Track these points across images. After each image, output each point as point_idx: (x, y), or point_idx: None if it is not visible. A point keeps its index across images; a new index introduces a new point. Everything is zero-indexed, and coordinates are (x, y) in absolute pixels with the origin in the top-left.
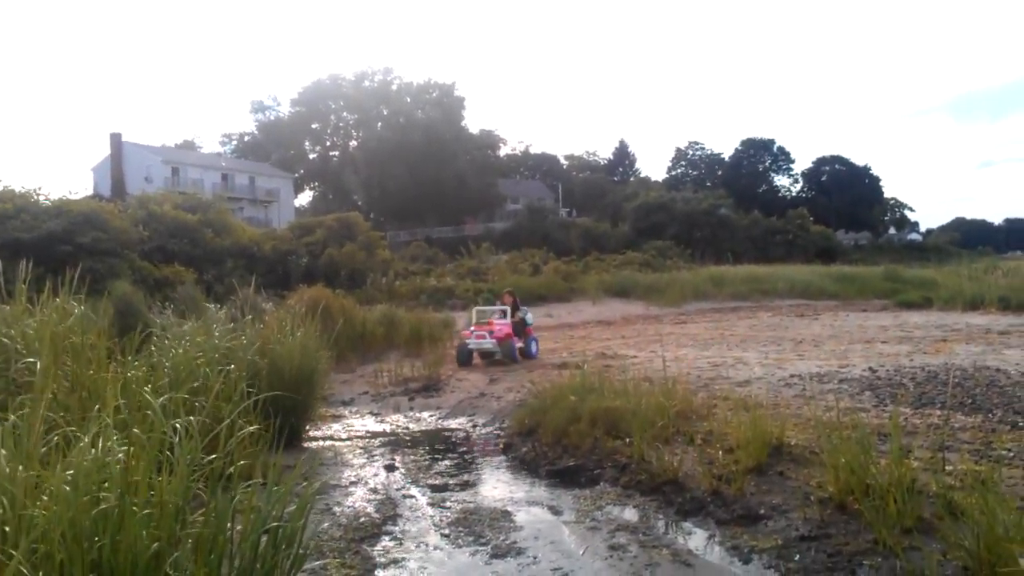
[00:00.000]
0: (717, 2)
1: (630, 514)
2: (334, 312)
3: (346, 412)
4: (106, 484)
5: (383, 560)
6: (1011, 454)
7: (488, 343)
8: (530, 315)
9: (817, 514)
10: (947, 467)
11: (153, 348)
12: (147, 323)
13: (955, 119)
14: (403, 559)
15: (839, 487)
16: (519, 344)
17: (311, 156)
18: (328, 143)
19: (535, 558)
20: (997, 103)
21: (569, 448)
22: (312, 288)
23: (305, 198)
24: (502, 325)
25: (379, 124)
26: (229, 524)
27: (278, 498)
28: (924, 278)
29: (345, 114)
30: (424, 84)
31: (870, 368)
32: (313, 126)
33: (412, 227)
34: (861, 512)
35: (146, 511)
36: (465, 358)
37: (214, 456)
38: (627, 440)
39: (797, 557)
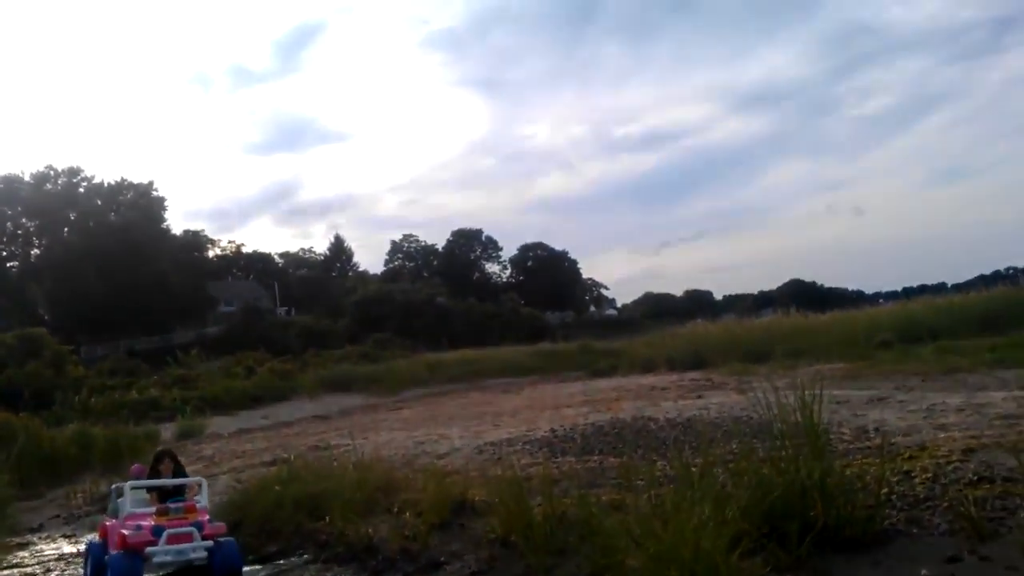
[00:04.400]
0: None
1: None
2: (17, 434)
3: (34, 538)
4: None
5: None
6: (642, 483)
7: (196, 549)
8: (205, 487)
9: (486, 552)
10: (593, 499)
11: None
12: None
13: (639, 206)
14: None
15: (505, 528)
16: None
17: None
18: (4, 253)
19: None
20: (671, 191)
21: (272, 534)
22: None
23: None
24: (203, 512)
25: (66, 229)
26: None
27: None
28: (613, 349)
29: (24, 220)
30: (117, 184)
31: (551, 429)
32: None
33: (111, 339)
34: (519, 544)
35: None
36: None
37: None
38: (327, 519)
39: None
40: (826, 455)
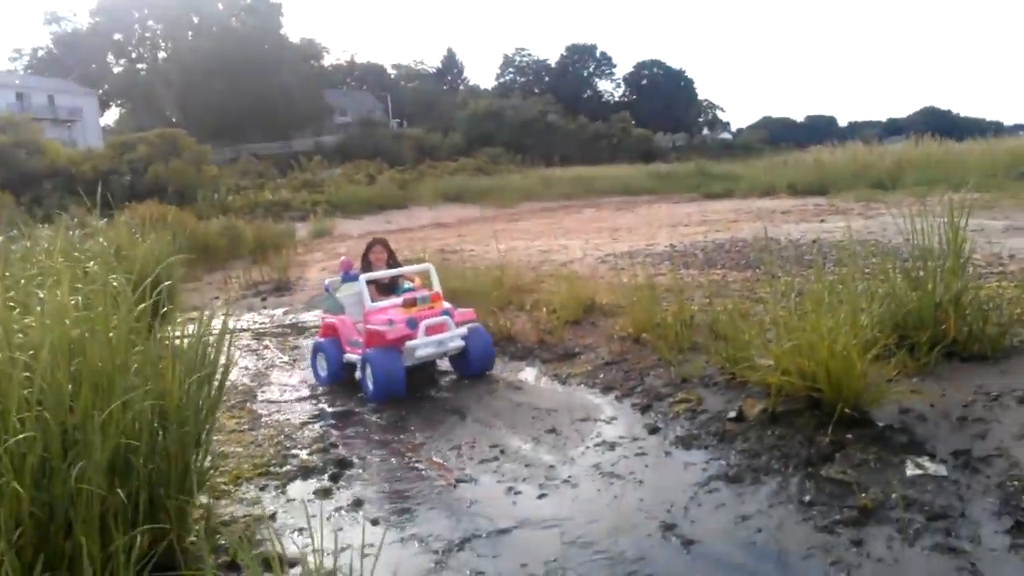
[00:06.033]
0: None
1: None
2: (172, 225)
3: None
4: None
5: (265, 411)
6: (766, 295)
7: (454, 339)
8: (434, 272)
9: (618, 347)
10: (718, 307)
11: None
12: None
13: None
14: (281, 407)
15: (636, 328)
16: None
17: (115, 70)
18: (134, 55)
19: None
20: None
21: None
22: (143, 205)
23: (111, 116)
24: (439, 299)
25: (190, 34)
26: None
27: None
28: (729, 172)
29: (151, 23)
30: None
31: (671, 245)
32: (116, 37)
33: (235, 144)
34: (650, 341)
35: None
36: (400, 383)
37: (142, 305)
38: None
39: (602, 375)
40: (963, 274)
